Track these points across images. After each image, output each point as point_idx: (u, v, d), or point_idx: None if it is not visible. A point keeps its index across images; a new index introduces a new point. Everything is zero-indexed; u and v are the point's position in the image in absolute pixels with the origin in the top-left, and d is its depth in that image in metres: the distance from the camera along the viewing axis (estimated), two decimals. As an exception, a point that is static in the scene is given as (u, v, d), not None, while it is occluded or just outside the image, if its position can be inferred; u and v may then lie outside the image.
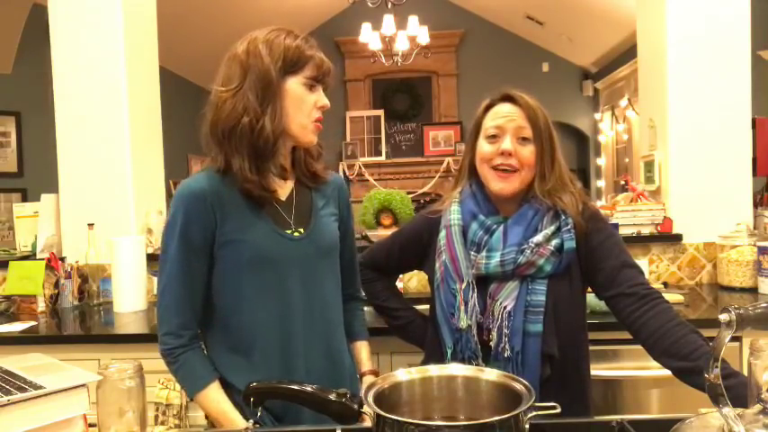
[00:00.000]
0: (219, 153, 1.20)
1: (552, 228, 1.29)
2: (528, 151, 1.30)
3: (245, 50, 1.19)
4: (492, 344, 1.28)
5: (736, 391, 1.12)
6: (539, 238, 1.27)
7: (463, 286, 1.30)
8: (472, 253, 1.31)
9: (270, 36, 1.20)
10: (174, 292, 1.21)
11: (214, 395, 1.22)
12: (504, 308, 1.27)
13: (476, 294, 1.29)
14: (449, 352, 1.32)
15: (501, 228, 1.31)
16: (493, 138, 1.31)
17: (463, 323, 1.29)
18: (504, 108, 1.32)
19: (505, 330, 1.26)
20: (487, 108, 1.35)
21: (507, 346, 1.25)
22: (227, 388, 1.24)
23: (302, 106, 1.20)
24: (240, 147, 1.18)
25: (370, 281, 1.56)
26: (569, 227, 1.29)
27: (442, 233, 1.37)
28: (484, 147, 1.33)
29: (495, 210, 1.34)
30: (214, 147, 1.22)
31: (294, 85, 1.20)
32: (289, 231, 1.25)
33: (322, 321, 1.29)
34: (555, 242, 1.28)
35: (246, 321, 1.23)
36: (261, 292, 1.22)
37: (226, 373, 1.25)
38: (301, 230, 1.27)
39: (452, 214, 1.36)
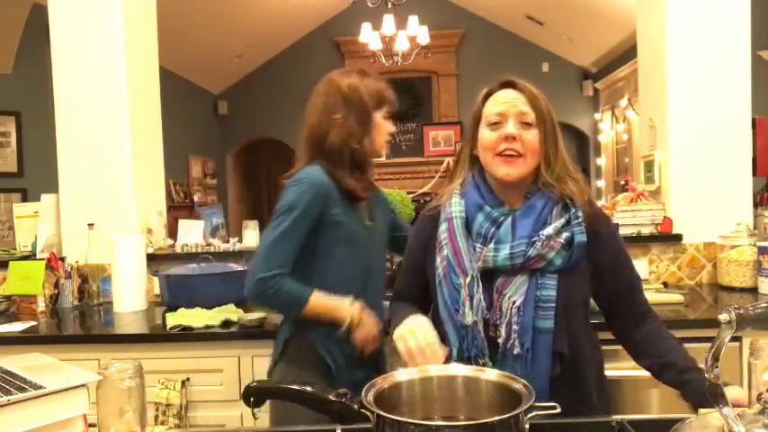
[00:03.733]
0: (324, 161, 1.58)
1: (562, 220, 1.26)
2: (531, 136, 1.26)
3: (348, 86, 1.58)
4: (500, 341, 1.23)
5: (695, 386, 1.15)
6: (549, 230, 1.24)
7: (467, 280, 1.25)
8: (477, 246, 1.27)
9: (365, 78, 1.62)
10: (284, 243, 1.52)
11: (319, 295, 1.53)
12: (513, 303, 1.22)
13: (481, 289, 1.25)
14: (454, 350, 1.26)
15: (509, 219, 1.26)
16: (495, 125, 1.28)
17: (468, 319, 1.24)
18: (506, 94, 1.29)
19: (514, 326, 1.21)
20: (487, 96, 1.32)
21: (516, 343, 1.21)
22: (308, 336, 1.57)
23: (383, 133, 1.64)
24: (345, 161, 1.58)
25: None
26: (580, 220, 1.26)
27: (443, 226, 1.32)
28: (486, 134, 1.29)
29: (500, 202, 1.30)
30: (317, 155, 1.59)
31: (379, 117, 1.62)
32: (366, 222, 1.65)
33: (380, 287, 1.73)
34: (565, 235, 1.24)
35: (333, 277, 1.58)
36: (348, 259, 1.60)
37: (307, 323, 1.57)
38: (371, 223, 1.66)
39: (454, 206, 1.32)
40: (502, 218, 1.27)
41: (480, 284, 1.25)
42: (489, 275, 1.26)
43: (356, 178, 1.60)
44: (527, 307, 1.22)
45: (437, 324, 1.32)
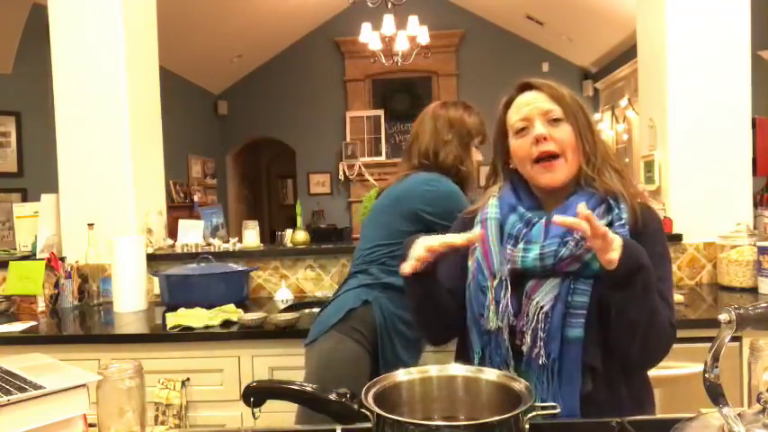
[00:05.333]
0: (438, 172, 1.76)
1: (603, 222, 1.13)
2: (563, 132, 1.19)
3: (454, 117, 1.80)
4: (524, 348, 1.14)
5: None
6: None
7: (495, 283, 1.17)
8: (509, 247, 1.18)
9: (468, 111, 1.83)
10: None
11: None
12: (541, 308, 1.12)
13: (509, 294, 1.16)
14: (476, 357, 1.19)
15: (543, 220, 1.18)
16: (522, 131, 1.21)
17: (492, 324, 1.16)
18: (525, 97, 1.23)
19: (541, 333, 1.11)
20: (507, 105, 1.27)
21: (542, 352, 1.11)
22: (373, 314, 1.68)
23: (475, 158, 1.83)
24: (450, 175, 1.77)
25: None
26: (623, 222, 1.15)
27: (477, 228, 1.24)
28: (517, 144, 1.22)
29: (539, 205, 1.23)
30: (424, 167, 1.77)
31: (473, 145, 1.82)
32: None
33: None
34: None
35: None
36: None
37: None
38: None
39: (490, 208, 1.25)
40: (536, 219, 1.19)
41: (509, 289, 1.17)
42: (521, 280, 1.17)
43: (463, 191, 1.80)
44: (555, 313, 1.12)
45: (464, 332, 1.26)
